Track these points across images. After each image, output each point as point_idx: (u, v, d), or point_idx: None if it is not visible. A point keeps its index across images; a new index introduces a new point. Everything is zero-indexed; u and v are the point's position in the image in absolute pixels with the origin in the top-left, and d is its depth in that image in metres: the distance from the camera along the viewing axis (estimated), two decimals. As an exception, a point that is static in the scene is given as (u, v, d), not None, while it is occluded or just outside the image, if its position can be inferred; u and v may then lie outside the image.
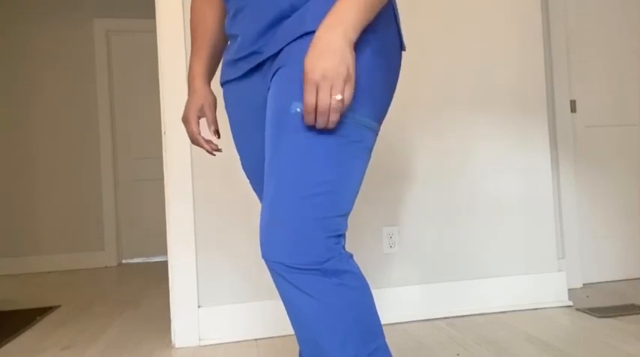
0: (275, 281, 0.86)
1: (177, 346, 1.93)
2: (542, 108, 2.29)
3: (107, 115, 4.12)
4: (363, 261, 2.11)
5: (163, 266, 3.89)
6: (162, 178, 4.13)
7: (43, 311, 2.58)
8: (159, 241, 4.25)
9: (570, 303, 2.22)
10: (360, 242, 2.11)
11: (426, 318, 2.11)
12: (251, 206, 2.01)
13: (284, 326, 2.00)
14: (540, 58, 2.30)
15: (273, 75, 0.91)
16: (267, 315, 1.99)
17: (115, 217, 4.12)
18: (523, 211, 2.25)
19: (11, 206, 3.93)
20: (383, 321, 2.08)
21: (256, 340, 1.97)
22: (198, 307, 1.96)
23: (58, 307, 2.70)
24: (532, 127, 2.28)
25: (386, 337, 1.90)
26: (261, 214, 0.87)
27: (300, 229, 0.81)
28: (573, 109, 2.66)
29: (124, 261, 4.20)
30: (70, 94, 4.06)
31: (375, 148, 2.14)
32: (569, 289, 2.50)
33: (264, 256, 0.85)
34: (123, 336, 2.12)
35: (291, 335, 2.00)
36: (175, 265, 1.97)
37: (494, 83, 2.25)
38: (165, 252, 4.21)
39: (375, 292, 2.09)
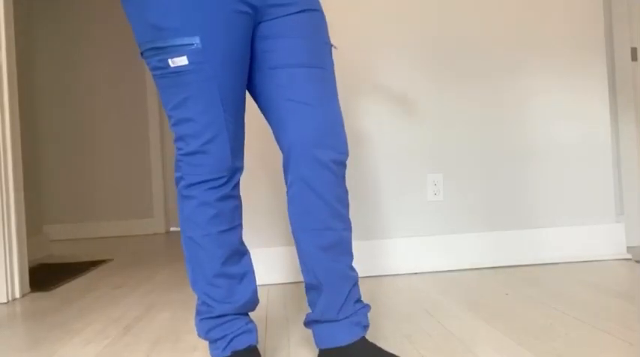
0: None
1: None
2: (600, 55, 2.15)
3: (154, 89, 4.23)
4: (406, 208, 2.07)
5: (209, 232, 3.97)
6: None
7: (96, 263, 2.69)
8: (205, 210, 4.34)
9: (629, 256, 2.09)
10: (404, 189, 2.07)
11: (472, 267, 2.05)
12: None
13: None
14: (599, 2, 2.16)
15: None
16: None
17: (163, 186, 4.25)
18: (579, 160, 2.14)
19: (68, 176, 4.13)
20: (424, 269, 2.04)
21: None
22: (242, 249, 1.99)
23: (111, 260, 2.81)
24: (590, 74, 2.15)
25: (431, 283, 1.86)
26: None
27: None
28: (634, 58, 2.49)
29: (172, 229, 4.33)
30: (119, 68, 4.19)
31: (420, 92, 2.08)
32: (627, 247, 2.36)
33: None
34: (170, 279, 2.18)
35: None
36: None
37: (551, 28, 2.13)
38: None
39: (417, 240, 2.05)
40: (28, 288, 2.11)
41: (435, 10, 2.08)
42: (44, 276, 2.39)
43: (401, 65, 2.07)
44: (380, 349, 1.07)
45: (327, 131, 1.03)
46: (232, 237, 1.06)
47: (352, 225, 2.01)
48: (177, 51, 0.95)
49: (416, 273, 2.03)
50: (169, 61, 0.96)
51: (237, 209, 1.08)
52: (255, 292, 1.10)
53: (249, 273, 1.09)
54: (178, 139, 1.02)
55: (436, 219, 2.08)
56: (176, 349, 1.30)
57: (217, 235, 1.03)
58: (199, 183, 1.02)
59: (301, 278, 2.00)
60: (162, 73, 0.98)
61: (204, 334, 1.08)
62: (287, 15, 1.04)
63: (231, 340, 1.05)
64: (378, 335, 1.31)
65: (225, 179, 1.03)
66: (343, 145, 1.06)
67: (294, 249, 1.99)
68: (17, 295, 2.01)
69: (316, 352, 1.21)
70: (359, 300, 1.10)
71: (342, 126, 1.08)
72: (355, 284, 1.10)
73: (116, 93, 4.19)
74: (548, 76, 2.13)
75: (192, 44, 0.94)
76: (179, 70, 0.96)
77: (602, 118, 2.16)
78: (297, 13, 1.04)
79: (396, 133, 2.06)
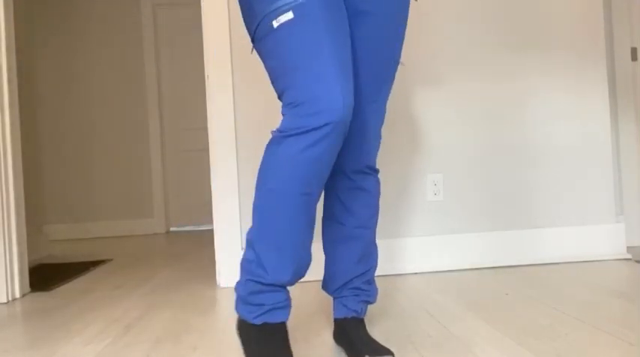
0: None
1: (221, 285, 1.97)
2: (600, 55, 2.15)
3: (154, 89, 4.23)
4: (406, 208, 2.07)
5: (211, 234, 3.98)
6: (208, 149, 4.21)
7: (96, 263, 2.69)
8: (206, 210, 4.34)
9: (629, 256, 2.09)
10: (404, 189, 2.07)
11: (472, 267, 2.05)
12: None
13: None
14: (599, 2, 2.16)
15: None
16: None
17: (163, 186, 4.24)
18: (579, 160, 2.14)
19: (68, 176, 4.13)
20: (424, 269, 2.04)
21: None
22: (242, 249, 1.98)
23: (111, 260, 2.81)
24: (590, 74, 2.15)
25: (431, 283, 1.86)
26: None
27: None
28: (634, 58, 2.49)
29: (172, 229, 4.33)
30: (119, 69, 4.19)
31: (420, 92, 2.08)
32: (627, 247, 2.35)
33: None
34: (171, 279, 2.18)
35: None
36: (219, 210, 2.00)
37: (551, 28, 2.13)
38: (212, 221, 4.30)
39: (417, 240, 2.05)
40: (28, 288, 2.11)
41: (431, 10, 2.08)
42: (44, 276, 2.39)
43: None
44: (366, 333, 1.16)
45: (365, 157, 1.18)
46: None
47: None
48: (282, 10, 0.98)
49: (416, 273, 2.03)
50: (274, 22, 0.98)
51: None
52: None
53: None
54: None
55: (436, 219, 2.08)
56: (176, 348, 1.30)
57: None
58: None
59: (301, 278, 1.99)
60: (268, 39, 1.01)
61: (244, 293, 1.04)
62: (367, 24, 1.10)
63: (268, 311, 1.03)
64: (379, 335, 1.31)
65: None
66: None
67: (294, 249, 1.99)
68: (17, 295, 2.01)
69: (315, 351, 1.22)
70: (357, 287, 1.20)
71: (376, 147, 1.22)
72: (358, 276, 1.19)
73: (116, 93, 4.19)
74: (548, 76, 2.13)
75: (297, 0, 0.97)
76: (284, 26, 0.98)
77: (602, 118, 2.16)
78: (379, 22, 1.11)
79: (396, 133, 2.06)
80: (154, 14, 4.29)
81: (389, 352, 1.08)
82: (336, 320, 1.23)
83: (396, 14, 1.14)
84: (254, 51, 1.09)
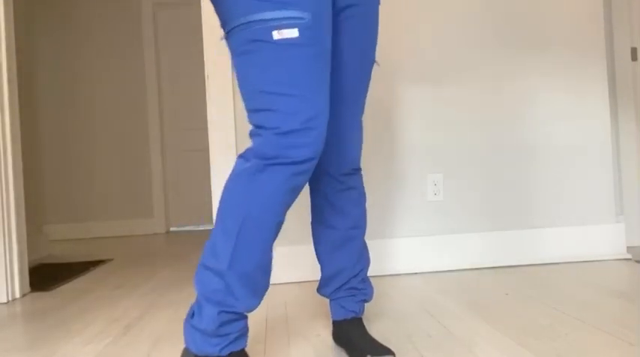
0: None
1: (221, 285, 1.96)
2: (600, 55, 2.15)
3: (154, 89, 4.23)
4: (406, 208, 2.07)
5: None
6: (208, 149, 4.21)
7: (96, 263, 2.69)
8: (206, 210, 4.34)
9: (629, 256, 2.09)
10: (404, 189, 2.07)
11: (472, 267, 2.05)
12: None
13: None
14: (599, 2, 2.16)
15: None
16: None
17: (163, 186, 4.24)
18: (579, 160, 2.14)
19: (68, 176, 4.13)
20: (424, 269, 2.04)
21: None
22: (242, 249, 1.98)
23: (111, 260, 2.81)
24: (590, 74, 2.15)
25: (431, 283, 1.86)
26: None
27: None
28: (634, 58, 2.49)
29: (172, 229, 4.33)
30: (119, 69, 4.19)
31: (420, 92, 2.08)
32: (627, 247, 2.36)
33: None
34: (171, 279, 2.18)
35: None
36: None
37: (551, 28, 2.13)
38: (212, 221, 4.30)
39: (417, 240, 2.05)
40: (28, 288, 2.11)
41: (433, 9, 2.08)
42: (44, 276, 2.39)
43: (400, 65, 2.07)
44: (366, 333, 1.18)
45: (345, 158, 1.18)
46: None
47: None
48: (287, 23, 0.91)
49: (416, 273, 2.03)
50: (274, 32, 0.91)
51: None
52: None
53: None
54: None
55: (436, 219, 2.08)
56: (176, 348, 1.30)
57: (279, 223, 1.00)
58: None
59: (301, 278, 2.00)
60: (261, 46, 0.92)
61: (212, 326, 0.96)
62: (348, 18, 1.11)
63: (235, 339, 1.00)
64: (378, 335, 1.31)
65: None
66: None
67: (294, 249, 1.99)
68: (17, 295, 2.01)
69: (315, 352, 1.22)
70: (353, 287, 1.22)
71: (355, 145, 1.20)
72: (355, 276, 1.22)
73: (116, 93, 4.19)
74: (548, 76, 2.13)
75: (304, 19, 0.92)
76: (286, 43, 0.91)
77: (602, 118, 2.16)
78: (358, 16, 1.12)
79: (396, 133, 2.06)
80: (154, 14, 4.29)
81: (390, 351, 1.08)
82: (334, 322, 1.23)
83: (375, 15, 1.16)
84: (223, 41, 1.01)
